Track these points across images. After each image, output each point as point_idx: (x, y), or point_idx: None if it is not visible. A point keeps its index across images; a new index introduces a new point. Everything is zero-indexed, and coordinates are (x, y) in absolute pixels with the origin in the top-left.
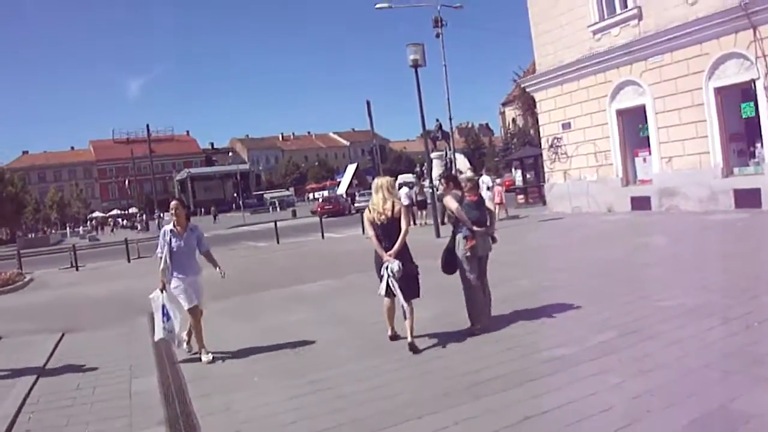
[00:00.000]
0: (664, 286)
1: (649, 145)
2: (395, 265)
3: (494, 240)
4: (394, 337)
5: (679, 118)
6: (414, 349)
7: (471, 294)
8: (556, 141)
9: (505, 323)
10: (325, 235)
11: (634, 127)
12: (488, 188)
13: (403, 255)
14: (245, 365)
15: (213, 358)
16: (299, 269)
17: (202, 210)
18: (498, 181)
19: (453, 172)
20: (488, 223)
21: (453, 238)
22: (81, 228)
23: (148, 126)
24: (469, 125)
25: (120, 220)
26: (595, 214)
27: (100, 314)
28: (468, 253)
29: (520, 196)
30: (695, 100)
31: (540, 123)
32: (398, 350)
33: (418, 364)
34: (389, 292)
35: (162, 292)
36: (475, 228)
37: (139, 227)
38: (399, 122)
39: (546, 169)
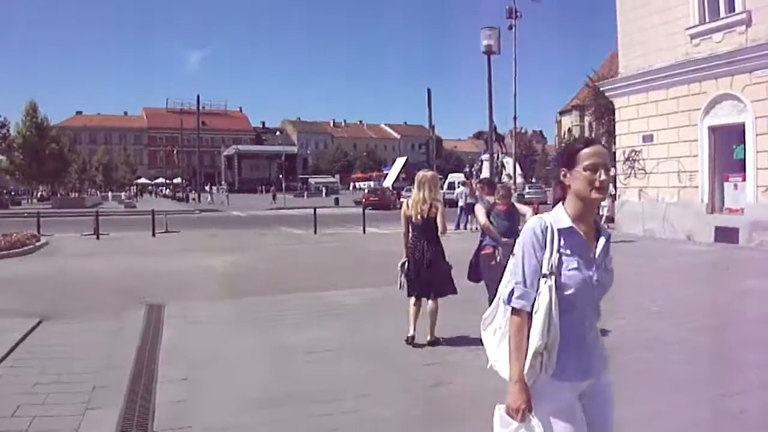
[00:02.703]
0: None
1: (743, 170)
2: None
3: None
4: (412, 339)
5: None
6: (434, 342)
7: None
8: (633, 154)
9: None
10: (366, 229)
11: (727, 148)
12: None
13: (435, 253)
14: (239, 413)
15: None
16: (333, 269)
17: (264, 188)
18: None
19: (503, 176)
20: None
21: (479, 245)
22: (123, 193)
23: (198, 97)
24: (522, 130)
25: (163, 188)
26: (672, 242)
27: (94, 298)
28: (491, 262)
29: None
30: None
31: (617, 133)
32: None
33: None
34: (411, 292)
35: (527, 415)
36: (503, 239)
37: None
38: (451, 121)
39: (618, 185)
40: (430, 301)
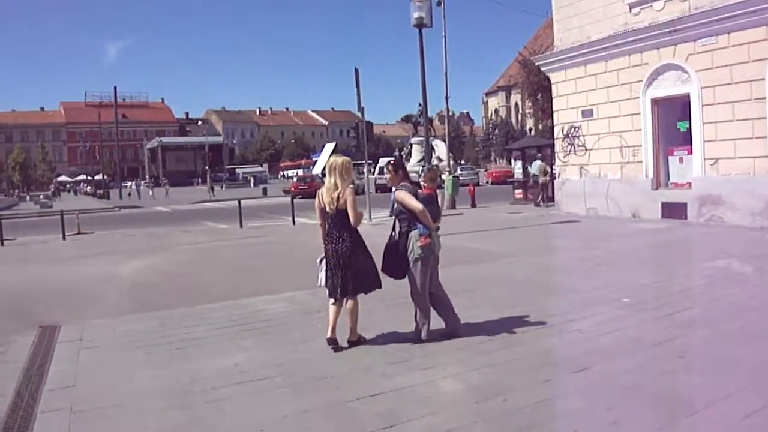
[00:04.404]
0: None
1: (689, 143)
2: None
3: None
4: (332, 340)
5: (732, 113)
6: (356, 342)
7: (423, 299)
8: (573, 130)
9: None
10: (296, 220)
11: (671, 121)
12: None
13: (352, 245)
14: None
15: None
16: (260, 269)
17: (199, 180)
18: None
19: (433, 158)
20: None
21: (400, 237)
22: (42, 193)
23: (115, 88)
24: (450, 113)
25: (84, 185)
26: (617, 220)
27: None
28: (423, 254)
29: (518, 191)
30: (755, 93)
31: (554, 109)
32: None
33: None
34: (331, 292)
35: None
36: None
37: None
38: (378, 106)
39: (558, 163)
40: (348, 299)
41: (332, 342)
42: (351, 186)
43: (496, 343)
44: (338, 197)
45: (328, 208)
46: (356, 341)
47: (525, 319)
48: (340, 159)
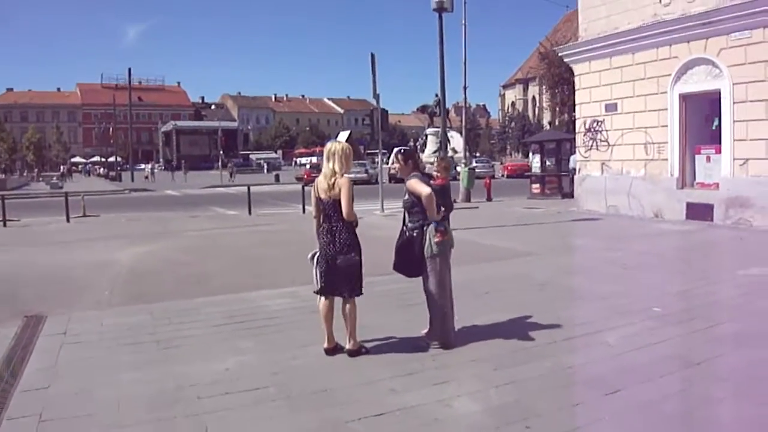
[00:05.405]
0: None
1: (717, 142)
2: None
3: None
4: (333, 350)
5: (765, 112)
6: (356, 352)
7: (443, 303)
8: (595, 125)
9: None
10: (306, 208)
11: (699, 118)
12: None
13: (346, 240)
14: None
15: None
16: (264, 260)
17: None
18: None
19: (448, 150)
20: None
21: (413, 232)
22: (53, 174)
23: (129, 70)
24: (467, 104)
25: (97, 167)
26: (639, 219)
27: None
28: (438, 250)
29: (536, 186)
30: None
31: (577, 102)
32: None
33: None
34: (323, 290)
35: None
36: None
37: None
38: (394, 95)
39: (579, 158)
40: (344, 302)
41: (331, 353)
42: (348, 175)
43: (517, 356)
44: (334, 184)
45: (323, 196)
46: (356, 351)
47: (548, 329)
48: (339, 144)
